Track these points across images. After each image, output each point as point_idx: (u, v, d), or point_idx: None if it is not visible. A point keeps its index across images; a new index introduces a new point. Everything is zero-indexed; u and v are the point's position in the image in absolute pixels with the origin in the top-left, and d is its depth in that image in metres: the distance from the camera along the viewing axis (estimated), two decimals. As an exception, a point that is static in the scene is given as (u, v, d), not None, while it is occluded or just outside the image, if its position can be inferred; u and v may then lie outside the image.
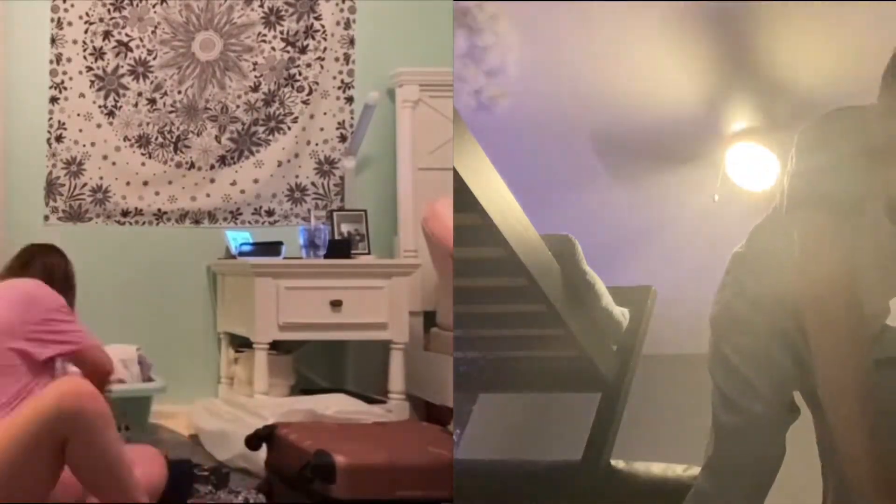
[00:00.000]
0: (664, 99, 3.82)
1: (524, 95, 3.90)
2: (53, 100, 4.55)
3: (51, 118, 4.56)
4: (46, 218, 4.57)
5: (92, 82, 4.57)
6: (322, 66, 4.67)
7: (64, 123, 4.56)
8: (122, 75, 4.58)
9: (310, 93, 4.68)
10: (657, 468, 3.30)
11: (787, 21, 3.42)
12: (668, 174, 4.10)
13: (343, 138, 4.70)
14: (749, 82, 3.67)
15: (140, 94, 4.59)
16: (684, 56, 3.63)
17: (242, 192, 4.66)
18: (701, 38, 3.56)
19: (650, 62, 3.71)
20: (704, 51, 3.60)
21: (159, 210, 4.62)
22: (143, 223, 4.62)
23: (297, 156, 4.69)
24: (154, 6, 4.58)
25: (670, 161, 4.05)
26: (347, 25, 4.68)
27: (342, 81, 4.70)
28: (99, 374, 2.69)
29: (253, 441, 3.03)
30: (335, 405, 3.89)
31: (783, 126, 3.77)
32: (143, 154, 4.60)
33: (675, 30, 3.54)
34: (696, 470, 3.24)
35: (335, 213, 4.59)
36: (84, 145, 4.57)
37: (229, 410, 4.12)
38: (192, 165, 4.63)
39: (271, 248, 4.24)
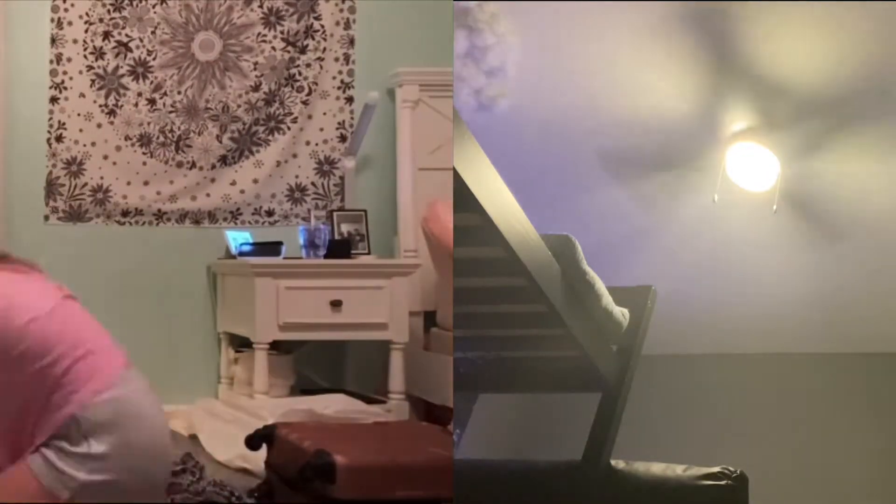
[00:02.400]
0: (664, 98, 3.81)
1: (524, 95, 3.90)
2: (53, 100, 4.56)
3: (51, 118, 4.56)
4: (46, 218, 4.57)
5: (92, 82, 4.57)
6: (322, 66, 4.68)
7: (64, 123, 4.56)
8: (122, 75, 4.58)
9: (310, 93, 4.68)
10: (657, 468, 3.29)
11: (788, 21, 3.42)
12: (668, 174, 4.10)
13: (343, 138, 4.70)
14: (749, 82, 3.67)
15: (140, 95, 4.59)
16: (685, 56, 3.63)
17: (242, 192, 4.66)
18: (701, 38, 3.56)
19: (650, 62, 3.70)
20: (705, 51, 3.60)
21: (159, 210, 4.62)
22: (144, 223, 4.62)
23: (296, 156, 4.70)
24: (154, 6, 4.58)
25: (670, 160, 4.05)
26: (347, 25, 4.68)
27: (342, 81, 4.70)
28: None
29: (253, 441, 3.04)
30: (335, 405, 3.89)
31: (783, 126, 3.77)
32: (143, 154, 4.60)
33: (675, 30, 3.54)
34: (696, 470, 3.24)
35: (335, 213, 4.59)
36: (84, 145, 4.57)
37: (229, 410, 4.13)
38: (192, 165, 4.63)
39: (271, 248, 4.24)
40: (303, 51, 4.66)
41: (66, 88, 4.56)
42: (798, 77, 3.59)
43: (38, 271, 2.56)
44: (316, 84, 4.68)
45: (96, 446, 2.26)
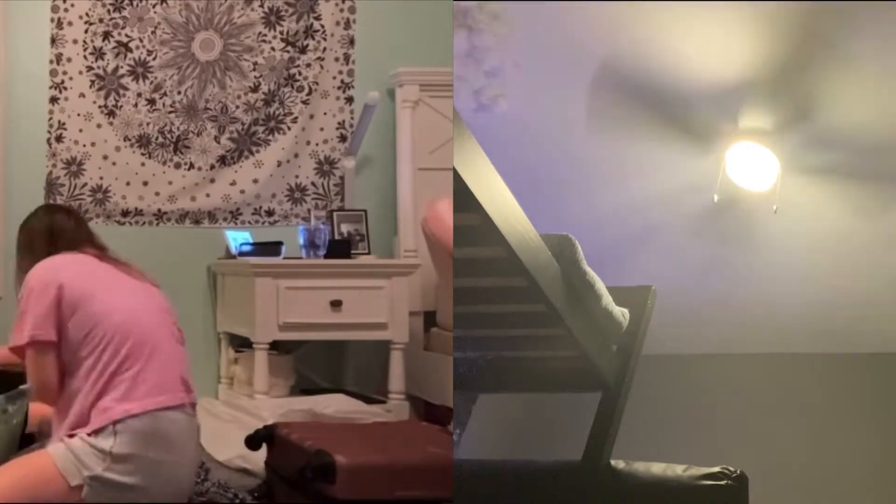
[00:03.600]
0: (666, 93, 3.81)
1: (524, 96, 3.90)
2: (53, 100, 4.55)
3: (51, 118, 4.56)
4: (46, 218, 4.56)
5: (92, 82, 4.57)
6: (322, 66, 4.67)
7: (64, 123, 4.56)
8: (122, 75, 4.58)
9: (310, 93, 4.67)
10: (657, 468, 3.30)
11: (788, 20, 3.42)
12: (668, 173, 4.10)
13: (343, 138, 4.70)
14: (753, 82, 3.67)
15: (140, 95, 4.59)
16: (685, 57, 3.63)
17: (242, 192, 4.66)
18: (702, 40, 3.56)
19: (648, 63, 3.70)
20: (707, 52, 3.60)
21: (159, 210, 4.62)
22: (143, 223, 4.62)
23: (296, 156, 4.69)
24: (154, 6, 4.58)
25: (671, 160, 4.05)
26: (347, 25, 4.68)
27: (342, 81, 4.70)
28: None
29: (253, 441, 3.03)
30: (335, 405, 3.89)
31: (783, 126, 3.77)
32: (143, 154, 4.60)
33: (678, 27, 3.54)
34: (696, 470, 3.25)
35: (335, 213, 4.59)
36: (84, 145, 4.57)
37: (229, 411, 4.12)
38: (191, 166, 4.63)
39: (271, 248, 4.24)
40: (303, 51, 4.66)
41: (66, 88, 4.55)
42: (798, 77, 3.59)
43: (140, 273, 2.80)
44: (316, 84, 4.68)
45: (122, 449, 2.38)
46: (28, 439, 3.64)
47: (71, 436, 2.43)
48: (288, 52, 4.64)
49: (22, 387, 3.50)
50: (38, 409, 2.74)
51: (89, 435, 2.39)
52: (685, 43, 3.50)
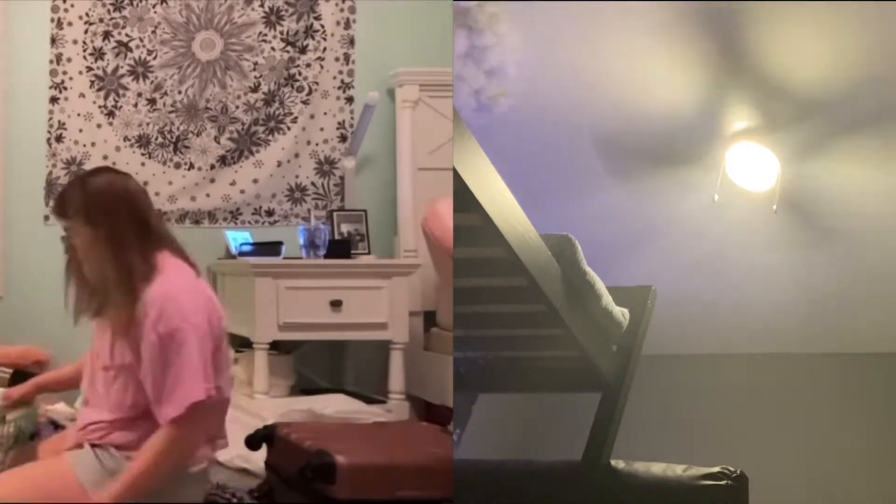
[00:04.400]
0: (664, 97, 3.81)
1: (524, 95, 3.90)
2: (53, 100, 4.56)
3: (51, 118, 4.56)
4: (46, 218, 4.57)
5: (92, 82, 4.57)
6: (322, 66, 4.68)
7: (64, 123, 4.56)
8: (122, 75, 4.58)
9: (310, 93, 4.68)
10: (657, 468, 3.30)
11: (786, 20, 3.42)
12: (668, 174, 4.10)
13: (343, 138, 4.70)
14: (749, 82, 3.67)
15: (140, 95, 4.59)
16: (684, 55, 3.63)
17: (242, 192, 4.66)
18: (700, 39, 3.56)
19: (650, 61, 3.71)
20: (704, 51, 3.61)
21: (159, 210, 4.61)
22: (143, 223, 4.61)
23: (297, 156, 4.69)
24: (154, 6, 4.58)
25: (670, 161, 4.05)
26: (347, 25, 4.68)
27: (342, 81, 4.70)
28: None
29: (253, 441, 3.03)
30: (335, 405, 3.89)
31: (783, 126, 3.77)
32: (142, 154, 4.60)
33: (674, 30, 3.54)
34: (696, 470, 3.24)
35: (335, 213, 4.59)
36: (84, 145, 4.57)
37: (229, 410, 4.12)
38: (191, 166, 4.63)
39: (271, 248, 4.24)
40: (303, 51, 4.66)
41: (66, 88, 4.55)
42: (798, 77, 3.59)
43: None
44: (316, 84, 4.68)
45: None
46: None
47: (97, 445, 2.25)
48: (288, 52, 4.64)
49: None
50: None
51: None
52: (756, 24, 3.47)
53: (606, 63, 3.74)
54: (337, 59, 4.69)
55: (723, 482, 3.16)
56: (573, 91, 3.88)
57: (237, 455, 3.49)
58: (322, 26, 4.67)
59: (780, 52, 3.55)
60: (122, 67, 4.58)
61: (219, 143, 4.63)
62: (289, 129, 4.67)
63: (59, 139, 4.56)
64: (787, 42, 3.52)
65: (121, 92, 4.58)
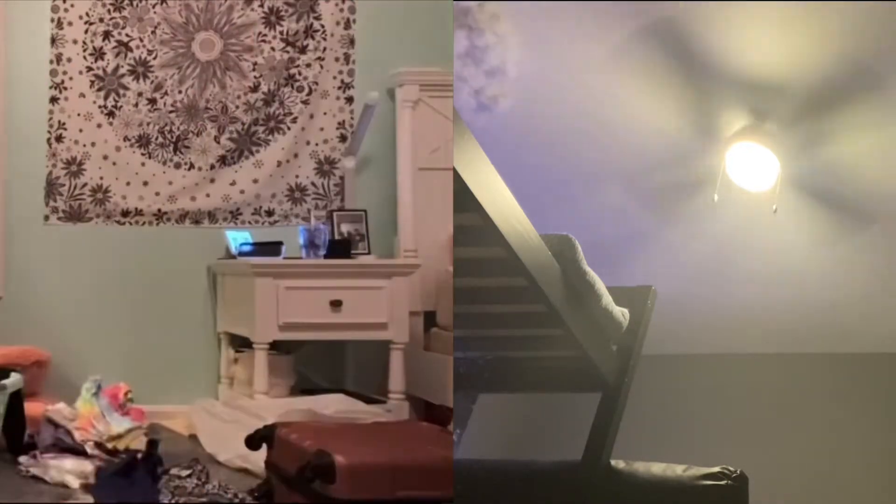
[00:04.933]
0: (664, 97, 3.81)
1: (524, 95, 3.90)
2: (53, 100, 4.55)
3: (51, 118, 4.56)
4: (46, 218, 4.57)
5: (92, 82, 4.57)
6: (322, 66, 4.68)
7: (64, 123, 4.56)
8: (122, 75, 4.58)
9: (310, 93, 4.68)
10: (657, 468, 3.30)
11: (784, 20, 3.42)
12: (669, 174, 4.10)
13: (343, 138, 4.70)
14: (746, 84, 3.67)
15: (140, 94, 4.59)
16: (666, 64, 3.63)
17: (242, 192, 4.66)
18: (695, 41, 3.56)
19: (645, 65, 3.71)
20: (672, 66, 3.61)
21: (159, 210, 4.62)
22: (143, 223, 4.62)
23: (296, 156, 4.69)
24: (154, 6, 4.58)
25: (670, 160, 4.05)
26: (347, 25, 4.68)
27: (342, 81, 4.70)
28: None
29: (253, 441, 3.03)
30: (335, 405, 3.89)
31: (783, 126, 3.77)
32: (143, 154, 4.60)
33: (674, 30, 3.54)
34: (696, 470, 3.25)
35: (335, 213, 4.59)
36: (84, 145, 4.57)
37: (229, 411, 4.12)
38: (191, 166, 4.63)
39: (271, 248, 4.24)
40: (303, 51, 4.66)
41: (66, 88, 4.55)
42: (798, 77, 3.59)
43: None
44: (316, 84, 4.68)
45: None
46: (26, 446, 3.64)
47: None
48: (288, 52, 4.64)
49: (2, 381, 3.49)
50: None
51: None
52: (727, 26, 3.47)
53: (606, 63, 3.73)
54: (337, 59, 4.69)
55: (723, 482, 3.17)
56: (573, 91, 3.88)
57: (237, 455, 3.50)
58: (322, 26, 4.67)
59: (751, 49, 3.55)
60: (122, 67, 4.58)
61: (219, 142, 4.63)
62: (289, 129, 4.67)
63: (59, 139, 4.56)
64: (756, 38, 3.51)
65: (121, 92, 4.59)
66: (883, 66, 3.48)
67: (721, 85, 3.67)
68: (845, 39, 3.43)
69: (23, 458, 3.47)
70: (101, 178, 4.58)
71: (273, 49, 4.64)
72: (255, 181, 4.67)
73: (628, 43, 3.62)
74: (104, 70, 4.57)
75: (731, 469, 3.20)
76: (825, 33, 3.42)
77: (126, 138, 4.59)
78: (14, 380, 3.60)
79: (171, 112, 4.61)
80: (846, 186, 3.99)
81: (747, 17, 3.41)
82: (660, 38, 3.55)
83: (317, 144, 4.70)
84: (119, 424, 3.75)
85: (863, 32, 3.40)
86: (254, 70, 4.64)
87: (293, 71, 4.66)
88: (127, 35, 4.58)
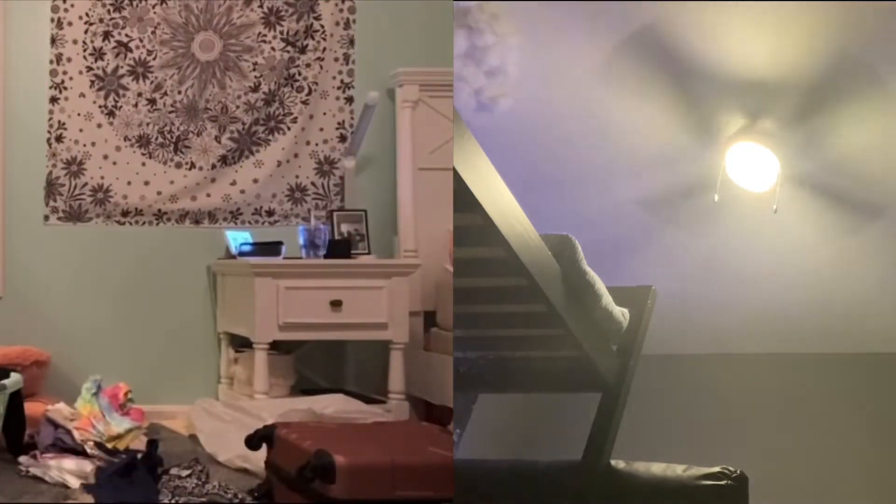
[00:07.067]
0: (663, 99, 3.81)
1: (524, 95, 3.90)
2: (53, 100, 4.56)
3: (51, 118, 4.56)
4: (46, 218, 4.57)
5: (92, 82, 4.57)
6: (322, 66, 4.68)
7: (64, 123, 4.56)
8: (122, 75, 4.58)
9: (309, 93, 4.68)
10: (657, 468, 3.30)
11: (779, 19, 3.42)
12: (668, 174, 4.10)
13: (343, 138, 4.70)
14: (746, 84, 3.67)
15: (140, 95, 4.59)
16: (713, 43, 3.62)
17: (242, 192, 4.67)
18: (695, 42, 3.56)
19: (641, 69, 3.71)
20: (698, 53, 3.61)
21: (159, 210, 4.62)
22: (143, 223, 4.62)
23: (296, 156, 4.70)
24: (154, 7, 4.58)
25: (670, 160, 4.05)
26: (347, 25, 4.68)
27: (342, 81, 4.70)
28: None
29: (253, 441, 3.04)
30: (334, 405, 3.89)
31: (782, 125, 3.77)
32: (143, 154, 4.60)
33: (673, 30, 3.54)
34: (696, 470, 3.25)
35: (335, 213, 4.59)
36: (84, 145, 4.57)
37: (229, 411, 4.12)
38: (192, 165, 4.63)
39: (271, 248, 4.24)
40: (303, 51, 4.66)
41: (66, 88, 4.56)
42: (797, 76, 3.59)
43: None
44: (316, 84, 4.68)
45: None
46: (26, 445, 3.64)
47: None
48: (288, 52, 4.65)
49: (2, 381, 3.49)
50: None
51: None
52: (716, 29, 3.47)
53: (606, 64, 3.73)
54: (337, 59, 4.69)
55: (723, 482, 3.17)
56: (573, 91, 3.88)
57: (237, 455, 3.50)
58: (322, 26, 4.67)
59: (749, 49, 3.55)
60: (122, 67, 4.58)
61: (219, 142, 4.63)
62: (289, 129, 4.67)
63: (59, 139, 4.56)
64: (753, 38, 3.51)
65: (121, 92, 4.59)
66: (879, 61, 3.48)
67: (720, 85, 3.67)
68: (840, 36, 3.43)
69: (23, 458, 3.47)
70: (102, 178, 4.58)
71: (273, 49, 4.64)
72: (256, 181, 4.67)
73: (628, 43, 3.62)
74: (104, 70, 4.57)
75: (731, 469, 3.20)
76: (819, 31, 3.42)
77: (126, 138, 4.59)
78: (14, 380, 3.60)
79: (170, 112, 4.61)
80: (846, 185, 3.99)
81: (745, 17, 3.41)
82: (659, 39, 3.55)
83: (317, 144, 4.70)
84: (119, 424, 3.74)
85: (857, 28, 3.40)
86: (254, 70, 4.64)
87: (293, 71, 4.66)
88: (127, 35, 4.58)
